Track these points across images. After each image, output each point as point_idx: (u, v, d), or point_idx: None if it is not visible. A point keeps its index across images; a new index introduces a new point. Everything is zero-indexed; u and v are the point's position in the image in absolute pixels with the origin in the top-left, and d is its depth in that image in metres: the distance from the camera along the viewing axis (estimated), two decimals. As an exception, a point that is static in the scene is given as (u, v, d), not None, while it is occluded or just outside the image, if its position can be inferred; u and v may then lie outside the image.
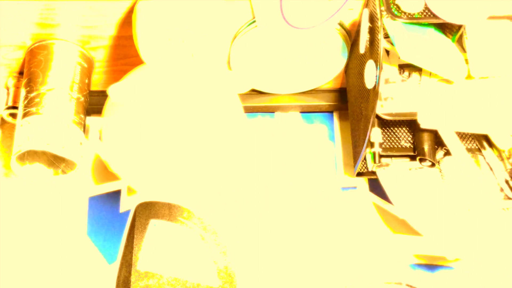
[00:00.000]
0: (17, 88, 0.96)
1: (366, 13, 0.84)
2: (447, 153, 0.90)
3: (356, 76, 0.92)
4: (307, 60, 0.97)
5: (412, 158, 0.90)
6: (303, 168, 1.03)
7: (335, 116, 1.07)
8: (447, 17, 0.81)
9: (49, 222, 0.98)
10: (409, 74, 0.87)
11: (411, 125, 0.90)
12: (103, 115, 0.89)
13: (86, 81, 0.93)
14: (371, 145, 0.88)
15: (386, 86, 0.87)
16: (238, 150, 1.02)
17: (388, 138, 0.90)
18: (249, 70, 0.98)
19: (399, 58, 0.81)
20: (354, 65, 0.94)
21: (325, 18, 0.86)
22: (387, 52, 0.88)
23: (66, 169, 0.91)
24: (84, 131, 0.90)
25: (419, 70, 0.86)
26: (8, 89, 0.97)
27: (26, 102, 0.87)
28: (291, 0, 0.84)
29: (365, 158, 0.91)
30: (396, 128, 0.90)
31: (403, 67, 0.87)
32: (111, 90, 0.81)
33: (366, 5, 0.85)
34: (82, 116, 0.90)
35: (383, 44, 0.80)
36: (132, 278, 0.93)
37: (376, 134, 0.87)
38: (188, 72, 0.83)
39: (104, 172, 1.02)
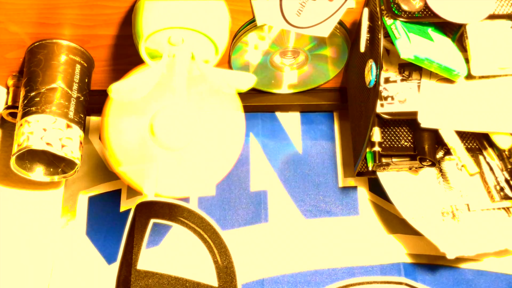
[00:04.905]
0: (16, 87, 0.96)
1: (366, 12, 0.84)
2: (447, 152, 0.90)
3: (356, 75, 0.92)
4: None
5: (412, 157, 0.90)
6: (302, 168, 1.03)
7: (335, 115, 1.07)
8: (447, 16, 0.81)
9: (48, 222, 0.98)
10: (409, 74, 0.87)
11: (411, 124, 0.90)
12: (103, 115, 0.89)
13: (86, 80, 0.93)
14: (371, 144, 0.87)
15: (386, 86, 0.87)
16: (237, 149, 1.02)
17: (388, 138, 0.90)
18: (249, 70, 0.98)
19: (399, 57, 0.81)
20: (354, 64, 0.94)
21: (325, 17, 0.86)
22: (387, 51, 0.88)
23: (66, 168, 0.91)
24: (84, 130, 0.90)
25: (419, 69, 0.86)
26: (8, 88, 0.97)
27: (26, 101, 0.87)
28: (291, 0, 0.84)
29: (365, 158, 0.91)
30: (396, 128, 0.90)
31: (403, 66, 0.87)
32: (111, 89, 0.81)
33: (366, 4, 0.85)
34: (82, 115, 0.90)
35: (383, 43, 0.80)
36: (132, 278, 0.93)
37: (376, 133, 0.87)
38: (187, 72, 0.83)
39: (104, 171, 1.02)
